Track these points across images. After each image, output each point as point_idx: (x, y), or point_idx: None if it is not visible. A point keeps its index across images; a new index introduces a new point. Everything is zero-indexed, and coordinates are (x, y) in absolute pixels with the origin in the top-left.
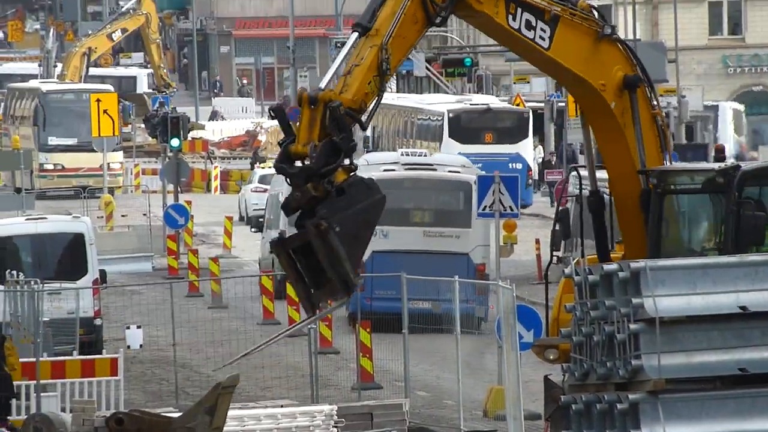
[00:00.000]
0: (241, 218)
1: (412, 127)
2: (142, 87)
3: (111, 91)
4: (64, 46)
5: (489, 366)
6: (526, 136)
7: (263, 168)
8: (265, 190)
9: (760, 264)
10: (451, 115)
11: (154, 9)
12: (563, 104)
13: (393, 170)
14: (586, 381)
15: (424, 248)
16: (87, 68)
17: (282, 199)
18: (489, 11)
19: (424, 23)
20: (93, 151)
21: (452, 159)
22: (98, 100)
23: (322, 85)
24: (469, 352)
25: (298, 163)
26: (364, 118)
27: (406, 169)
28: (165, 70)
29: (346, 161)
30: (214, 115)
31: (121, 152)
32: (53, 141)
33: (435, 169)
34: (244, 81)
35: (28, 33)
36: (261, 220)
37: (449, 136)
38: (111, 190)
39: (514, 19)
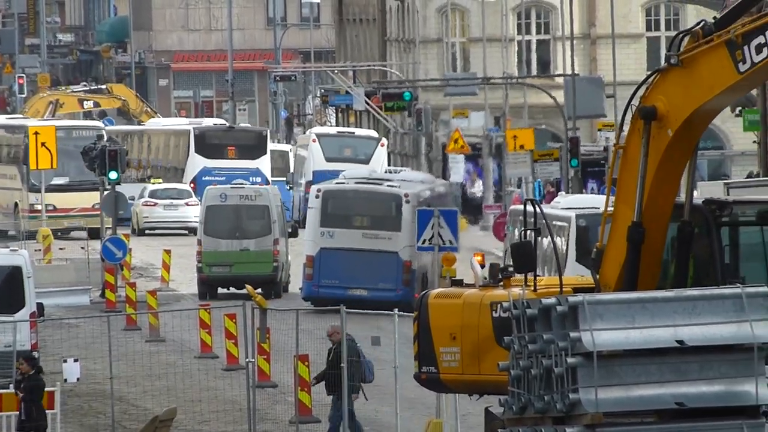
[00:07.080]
0: (133, 230)
1: (152, 147)
2: None
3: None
4: (2, 78)
5: (427, 399)
6: (265, 152)
7: (153, 183)
8: (155, 204)
9: (698, 299)
10: (196, 132)
11: (127, 91)
12: (501, 139)
13: (342, 183)
14: (524, 414)
15: (362, 247)
16: (51, 116)
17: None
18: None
19: None
20: (87, 190)
21: (416, 175)
22: (36, 133)
23: None
24: (408, 387)
25: None
26: None
27: (355, 183)
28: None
29: None
30: None
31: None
32: None
33: (379, 183)
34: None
35: None
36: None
37: (195, 152)
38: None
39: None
